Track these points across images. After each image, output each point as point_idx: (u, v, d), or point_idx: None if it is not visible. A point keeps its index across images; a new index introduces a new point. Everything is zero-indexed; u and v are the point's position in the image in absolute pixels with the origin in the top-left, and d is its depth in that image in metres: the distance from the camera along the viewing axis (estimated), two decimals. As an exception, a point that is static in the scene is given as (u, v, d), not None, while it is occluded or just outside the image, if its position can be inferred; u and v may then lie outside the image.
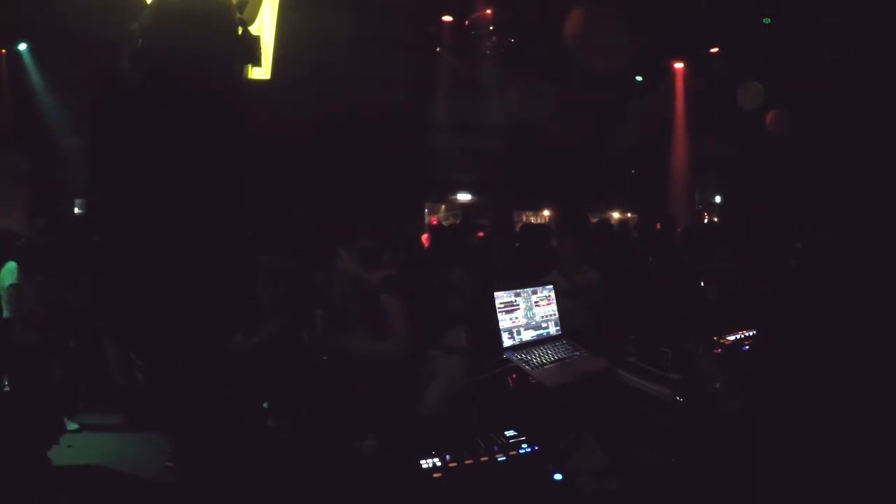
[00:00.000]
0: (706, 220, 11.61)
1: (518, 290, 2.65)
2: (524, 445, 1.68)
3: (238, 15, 1.62)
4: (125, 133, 1.42)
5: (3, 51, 7.34)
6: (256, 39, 1.74)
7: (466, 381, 2.63)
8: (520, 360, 2.39)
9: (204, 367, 1.80)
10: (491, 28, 6.28)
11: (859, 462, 2.00)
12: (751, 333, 2.91)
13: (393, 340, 2.90)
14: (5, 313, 4.23)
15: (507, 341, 2.50)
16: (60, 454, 3.29)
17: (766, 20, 7.12)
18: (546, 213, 11.56)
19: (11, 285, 4.20)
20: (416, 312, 2.98)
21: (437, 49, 8.40)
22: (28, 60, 7.43)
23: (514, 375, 2.31)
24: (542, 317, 2.71)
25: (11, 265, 4.25)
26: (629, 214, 12.71)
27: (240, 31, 1.61)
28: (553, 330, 2.74)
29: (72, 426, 4.28)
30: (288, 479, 1.94)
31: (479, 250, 4.86)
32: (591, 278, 3.91)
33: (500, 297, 2.56)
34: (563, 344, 2.65)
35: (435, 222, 9.43)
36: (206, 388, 1.95)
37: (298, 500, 1.81)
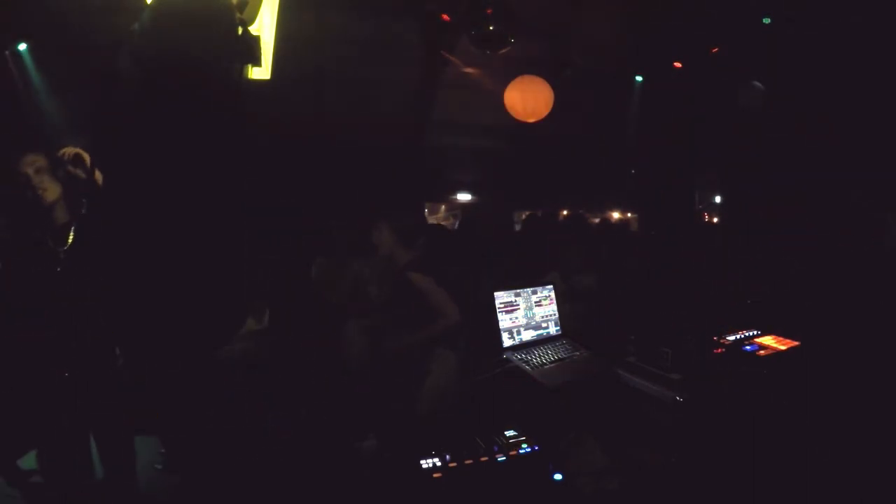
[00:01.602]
0: (706, 220, 11.60)
1: (518, 290, 2.66)
2: (524, 445, 1.68)
3: (238, 15, 1.62)
4: (124, 133, 1.42)
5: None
6: (256, 39, 1.73)
7: (461, 380, 2.62)
8: (520, 360, 2.39)
9: (204, 367, 1.80)
10: (491, 28, 6.28)
11: (860, 462, 1.99)
12: (751, 333, 2.91)
13: (443, 317, 2.75)
14: None
15: (507, 341, 2.51)
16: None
17: (766, 20, 7.11)
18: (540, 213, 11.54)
19: None
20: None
21: (437, 49, 8.39)
22: (28, 60, 7.43)
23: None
24: (542, 317, 2.72)
25: None
26: (629, 214, 12.71)
27: (240, 31, 1.60)
28: (553, 330, 2.74)
29: None
30: (288, 479, 1.94)
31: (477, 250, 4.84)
32: (590, 282, 3.93)
33: (500, 297, 2.56)
34: (563, 344, 2.65)
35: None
36: (207, 388, 1.95)
37: (298, 501, 1.81)
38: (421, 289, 2.80)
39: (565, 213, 10.58)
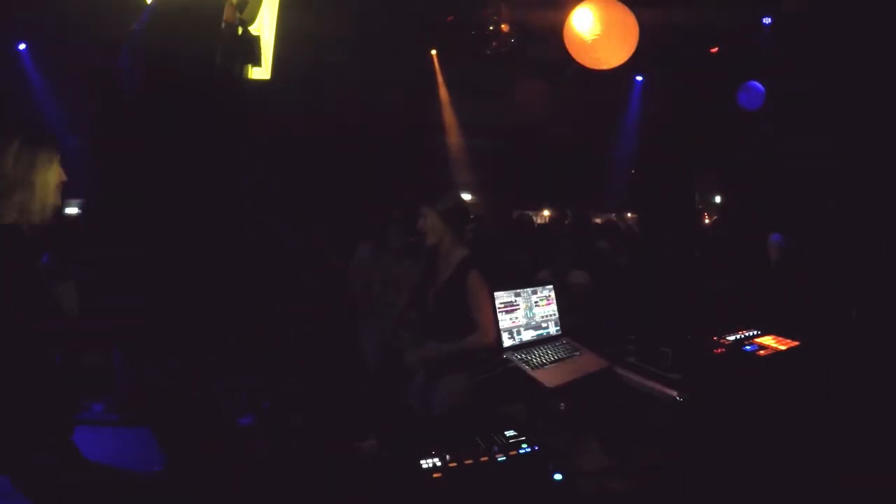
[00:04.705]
0: (706, 220, 11.59)
1: (518, 290, 2.66)
2: (524, 445, 1.68)
3: (238, 15, 1.62)
4: (124, 134, 1.42)
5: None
6: (256, 39, 1.74)
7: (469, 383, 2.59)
8: (520, 360, 2.39)
9: (204, 366, 1.80)
10: (491, 28, 6.28)
11: (860, 462, 1.99)
12: (751, 333, 2.91)
13: (481, 333, 2.52)
14: None
15: (507, 341, 2.51)
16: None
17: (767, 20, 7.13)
18: (546, 212, 11.55)
19: None
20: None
21: (434, 52, 8.44)
22: (28, 60, 7.44)
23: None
24: (542, 317, 2.72)
25: None
26: (629, 214, 12.69)
27: (240, 31, 1.61)
28: (553, 330, 2.74)
29: None
30: (288, 479, 1.94)
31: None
32: (580, 278, 3.96)
33: (500, 297, 2.56)
34: (563, 344, 2.65)
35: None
36: (207, 386, 1.95)
37: (298, 500, 1.81)
38: (473, 293, 2.54)
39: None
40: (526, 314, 2.64)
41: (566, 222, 7.08)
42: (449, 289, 2.62)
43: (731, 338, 2.81)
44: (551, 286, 2.83)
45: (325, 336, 3.68)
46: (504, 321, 2.53)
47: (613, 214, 12.51)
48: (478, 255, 2.75)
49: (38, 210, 1.74)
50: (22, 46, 7.47)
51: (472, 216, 3.14)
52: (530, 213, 10.54)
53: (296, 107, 6.84)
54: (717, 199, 11.79)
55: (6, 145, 1.69)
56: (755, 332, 2.93)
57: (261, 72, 2.11)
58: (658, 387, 2.25)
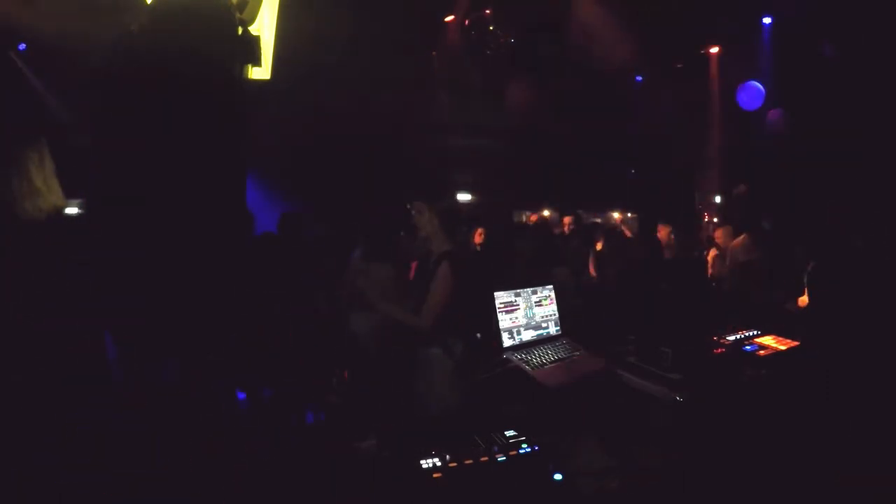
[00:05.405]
0: (706, 220, 11.59)
1: (518, 290, 2.66)
2: (524, 445, 1.68)
3: (238, 15, 1.62)
4: (124, 134, 1.42)
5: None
6: (256, 39, 1.74)
7: (458, 384, 2.59)
8: (520, 360, 2.39)
9: (204, 366, 1.80)
10: (491, 28, 6.29)
11: (861, 461, 1.99)
12: (751, 333, 2.91)
13: (420, 317, 2.67)
14: None
15: (507, 341, 2.51)
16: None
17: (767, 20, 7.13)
18: (546, 212, 11.56)
19: None
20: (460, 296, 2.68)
21: (434, 52, 8.44)
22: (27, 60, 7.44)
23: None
24: (542, 317, 2.72)
25: None
26: (629, 214, 12.70)
27: (240, 31, 1.61)
28: (553, 330, 2.74)
29: None
30: (288, 479, 1.94)
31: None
32: (591, 278, 3.96)
33: (500, 297, 2.56)
34: (563, 344, 2.66)
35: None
36: (207, 385, 1.95)
37: (297, 500, 1.81)
38: (436, 279, 2.66)
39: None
40: (526, 314, 2.64)
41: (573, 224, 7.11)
42: (431, 274, 2.72)
43: (731, 338, 2.81)
44: (551, 286, 2.83)
45: (325, 336, 3.67)
46: (504, 321, 2.53)
47: (615, 214, 12.53)
48: (482, 257, 2.79)
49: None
50: (21, 46, 7.47)
51: (468, 220, 3.24)
52: (545, 216, 10.55)
53: (296, 107, 6.84)
54: (717, 199, 11.78)
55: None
56: (755, 332, 2.93)
57: (261, 72, 2.11)
58: (658, 387, 2.25)
